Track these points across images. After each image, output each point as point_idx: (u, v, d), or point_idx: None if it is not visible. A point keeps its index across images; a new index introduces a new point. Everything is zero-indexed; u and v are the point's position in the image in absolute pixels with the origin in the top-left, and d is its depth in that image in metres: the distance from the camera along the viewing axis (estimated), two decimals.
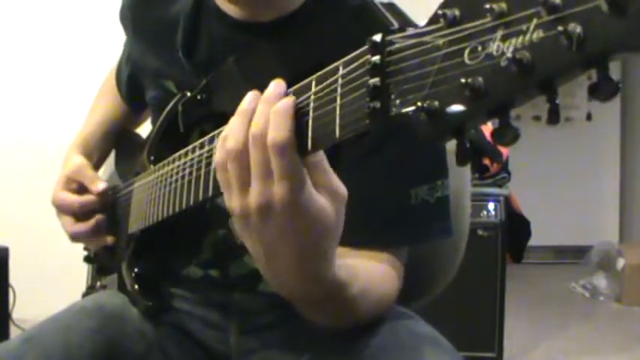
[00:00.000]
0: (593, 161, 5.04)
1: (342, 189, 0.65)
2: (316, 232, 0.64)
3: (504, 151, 2.84)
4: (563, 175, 4.99)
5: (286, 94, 0.61)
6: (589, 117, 5.02)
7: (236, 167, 0.63)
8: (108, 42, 1.43)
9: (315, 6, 0.91)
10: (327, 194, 0.64)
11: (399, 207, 0.90)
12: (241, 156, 0.62)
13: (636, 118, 4.97)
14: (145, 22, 1.04)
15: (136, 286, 1.00)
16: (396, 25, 0.51)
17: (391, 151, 0.89)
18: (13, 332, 2.42)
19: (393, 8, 0.84)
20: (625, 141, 5.07)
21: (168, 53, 0.99)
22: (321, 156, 0.62)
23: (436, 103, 0.45)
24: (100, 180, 1.10)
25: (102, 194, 1.08)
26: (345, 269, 0.74)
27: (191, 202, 0.81)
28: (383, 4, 0.81)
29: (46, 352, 0.89)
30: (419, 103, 0.46)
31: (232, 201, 0.64)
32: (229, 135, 0.63)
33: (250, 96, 0.64)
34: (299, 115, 0.60)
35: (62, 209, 1.11)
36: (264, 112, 0.60)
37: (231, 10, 0.93)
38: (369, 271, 0.84)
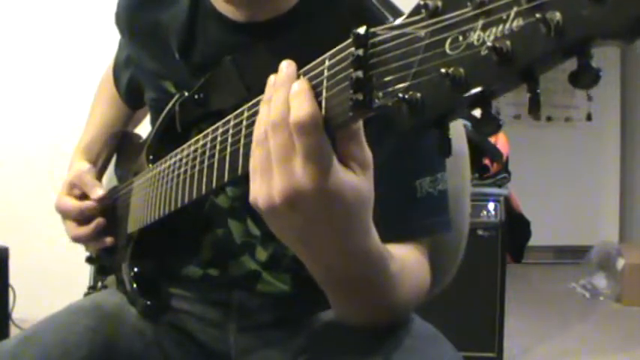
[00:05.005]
0: (593, 161, 5.04)
1: (368, 155, 0.62)
2: (353, 210, 0.62)
3: (504, 151, 2.84)
4: (563, 176, 4.99)
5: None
6: (589, 117, 5.03)
7: (259, 154, 0.61)
8: (105, 43, 1.43)
9: (311, 4, 0.91)
10: (357, 165, 0.61)
11: (407, 199, 0.89)
12: (264, 143, 0.60)
13: (636, 118, 4.97)
14: (141, 25, 1.04)
15: (135, 286, 1.00)
16: (391, 19, 0.50)
17: (394, 143, 0.87)
18: (13, 332, 2.42)
19: (388, 3, 0.84)
20: (625, 141, 5.07)
21: (165, 54, 0.98)
22: (359, 125, 0.60)
23: (418, 94, 0.45)
24: (99, 187, 1.12)
25: (100, 201, 1.10)
26: (382, 245, 0.72)
27: (186, 200, 0.80)
28: None
29: (45, 352, 0.88)
30: (400, 95, 0.46)
31: (255, 188, 0.62)
32: (256, 122, 0.62)
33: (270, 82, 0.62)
34: None
35: (65, 214, 1.13)
36: (281, 97, 0.59)
37: (228, 11, 0.93)
38: (402, 253, 0.82)
